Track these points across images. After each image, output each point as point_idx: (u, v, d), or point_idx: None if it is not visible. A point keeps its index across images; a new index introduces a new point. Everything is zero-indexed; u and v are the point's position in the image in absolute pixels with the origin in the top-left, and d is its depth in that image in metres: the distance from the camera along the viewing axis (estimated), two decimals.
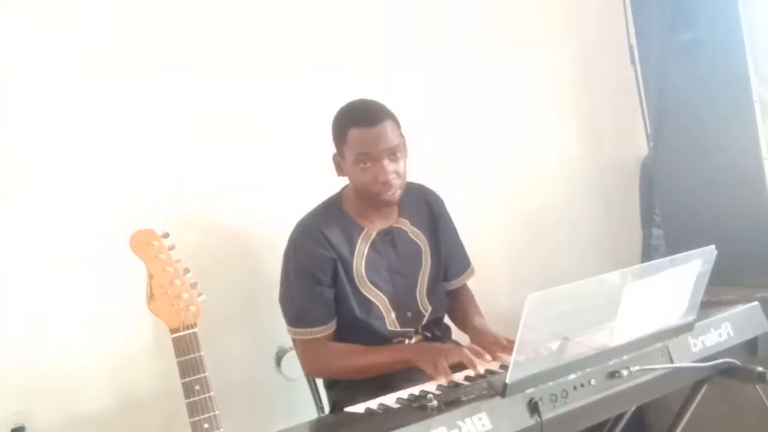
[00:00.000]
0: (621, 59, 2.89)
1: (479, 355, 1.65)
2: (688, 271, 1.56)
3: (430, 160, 2.51)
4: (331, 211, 1.92)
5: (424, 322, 1.97)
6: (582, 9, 2.94)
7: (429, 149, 2.52)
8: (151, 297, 1.36)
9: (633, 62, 2.88)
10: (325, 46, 2.37)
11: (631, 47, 2.87)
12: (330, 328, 1.87)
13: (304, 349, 1.92)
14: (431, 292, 1.98)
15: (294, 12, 2.33)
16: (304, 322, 1.87)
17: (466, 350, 1.67)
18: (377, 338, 1.89)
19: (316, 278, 1.84)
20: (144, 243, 1.36)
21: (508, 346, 1.72)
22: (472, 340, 1.90)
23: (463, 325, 2.03)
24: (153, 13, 2.10)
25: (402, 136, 1.86)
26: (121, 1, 2.06)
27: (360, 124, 1.79)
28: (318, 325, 1.85)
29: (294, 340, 1.97)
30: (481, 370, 1.60)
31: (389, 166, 1.79)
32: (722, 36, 2.51)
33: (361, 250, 1.89)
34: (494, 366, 1.66)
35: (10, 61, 1.91)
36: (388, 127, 1.80)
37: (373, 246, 1.90)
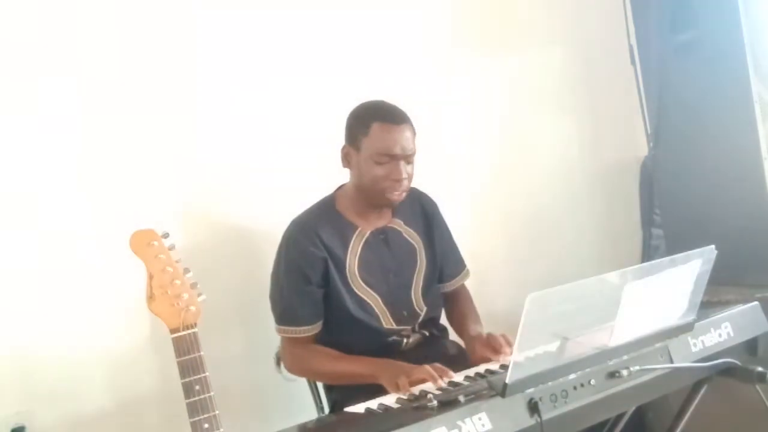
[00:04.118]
0: (621, 59, 2.89)
1: (443, 374, 1.61)
2: (688, 271, 1.56)
3: (431, 161, 2.51)
4: (325, 210, 1.93)
5: (419, 320, 1.98)
6: (582, 9, 2.94)
7: (430, 150, 2.52)
8: (151, 297, 1.36)
9: (633, 62, 2.88)
10: (328, 46, 2.38)
11: (631, 47, 2.87)
12: (315, 329, 1.88)
13: (287, 347, 1.92)
14: (426, 292, 1.98)
15: (300, 17, 2.34)
16: (290, 321, 1.87)
17: (428, 368, 1.63)
18: (375, 336, 1.90)
19: (305, 277, 1.85)
20: (144, 243, 1.36)
21: (489, 345, 1.75)
22: (468, 348, 1.90)
23: (460, 331, 2.02)
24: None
25: (415, 146, 1.88)
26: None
27: (386, 119, 1.82)
28: (303, 324, 1.86)
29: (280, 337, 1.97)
30: (444, 384, 1.57)
31: (404, 166, 1.82)
32: (722, 36, 2.52)
33: (355, 249, 1.89)
34: (494, 366, 1.67)
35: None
36: (409, 130, 1.84)
37: (367, 245, 1.91)
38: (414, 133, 1.85)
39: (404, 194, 1.86)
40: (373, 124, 1.81)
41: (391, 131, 1.81)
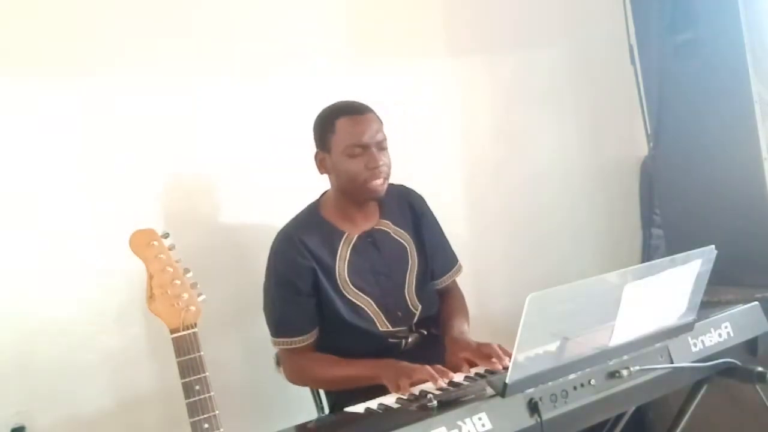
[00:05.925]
0: (621, 59, 2.89)
1: (443, 375, 1.61)
2: (688, 271, 1.56)
3: (431, 161, 2.51)
4: (310, 218, 1.92)
5: (415, 320, 1.97)
6: (582, 9, 2.94)
7: (430, 149, 2.53)
8: (151, 297, 1.36)
9: (633, 62, 2.88)
10: (328, 47, 2.38)
11: (631, 47, 2.87)
12: (310, 337, 1.87)
13: (285, 357, 1.93)
14: (420, 291, 1.97)
15: (300, 17, 2.33)
16: (284, 332, 1.87)
17: (429, 368, 1.63)
18: (370, 340, 1.90)
19: (295, 287, 1.84)
20: (144, 243, 1.36)
21: (481, 353, 1.72)
22: (447, 351, 1.85)
23: (443, 330, 1.98)
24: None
25: (384, 134, 1.88)
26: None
27: (349, 112, 1.84)
28: (297, 335, 1.86)
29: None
30: (444, 384, 1.57)
31: (378, 153, 1.83)
32: (722, 36, 2.51)
33: (343, 254, 1.89)
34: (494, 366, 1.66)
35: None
36: (374, 119, 1.86)
37: (355, 249, 1.90)
38: (381, 122, 1.87)
39: (386, 183, 1.86)
40: (337, 120, 1.84)
41: (357, 122, 1.82)
